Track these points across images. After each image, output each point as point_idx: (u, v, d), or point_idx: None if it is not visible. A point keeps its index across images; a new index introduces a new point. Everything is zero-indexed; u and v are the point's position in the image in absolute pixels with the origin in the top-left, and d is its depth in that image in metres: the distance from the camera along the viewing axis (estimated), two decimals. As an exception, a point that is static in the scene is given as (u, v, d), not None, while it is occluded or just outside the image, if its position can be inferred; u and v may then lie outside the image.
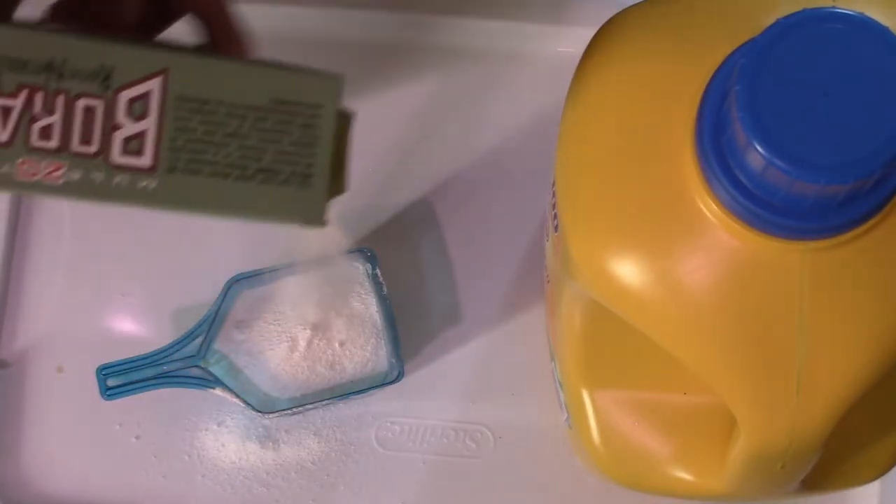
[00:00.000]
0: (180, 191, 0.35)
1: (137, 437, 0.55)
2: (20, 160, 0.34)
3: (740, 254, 0.34)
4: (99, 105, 0.34)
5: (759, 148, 0.31)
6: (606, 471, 0.47)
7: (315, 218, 0.37)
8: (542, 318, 0.56)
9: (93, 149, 0.35)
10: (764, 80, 0.31)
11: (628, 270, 0.37)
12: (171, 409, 0.55)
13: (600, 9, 0.41)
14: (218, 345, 0.53)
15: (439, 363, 0.56)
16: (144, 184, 0.35)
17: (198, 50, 0.42)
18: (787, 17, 0.31)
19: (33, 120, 0.34)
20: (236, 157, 0.35)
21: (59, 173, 0.35)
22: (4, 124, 0.34)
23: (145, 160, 0.35)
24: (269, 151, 0.35)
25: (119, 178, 0.35)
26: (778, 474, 0.39)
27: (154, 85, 0.35)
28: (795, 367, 0.35)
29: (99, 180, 0.35)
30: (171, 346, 0.52)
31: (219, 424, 0.55)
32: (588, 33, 0.40)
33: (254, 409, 0.52)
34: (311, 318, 0.53)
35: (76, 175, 0.35)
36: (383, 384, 0.53)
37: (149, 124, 0.35)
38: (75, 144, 0.35)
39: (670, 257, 0.36)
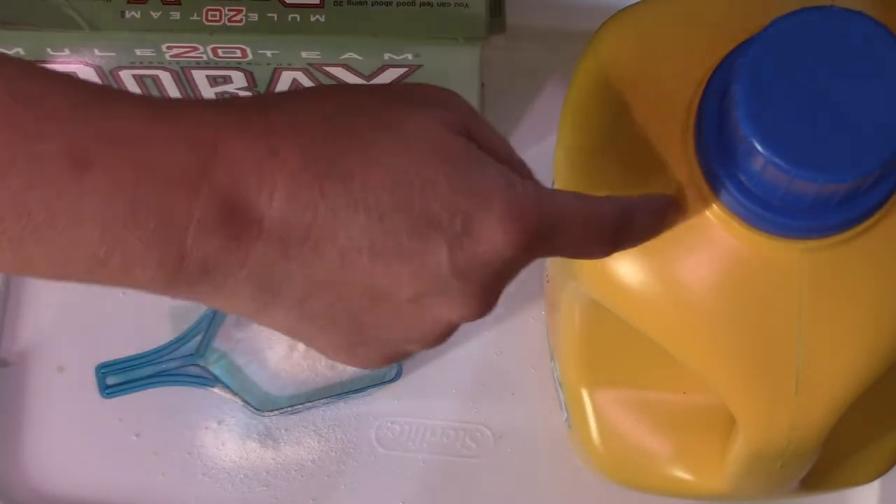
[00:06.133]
0: (347, 21, 0.40)
1: (137, 436, 0.55)
2: (206, 7, 0.40)
3: (739, 253, 0.34)
4: None
5: (758, 146, 0.31)
6: (606, 470, 0.47)
7: (476, 32, 0.41)
8: (542, 318, 0.56)
9: None
10: (763, 78, 0.31)
11: (627, 269, 0.37)
12: (171, 408, 0.55)
13: (600, 8, 0.41)
14: (217, 343, 0.53)
15: (439, 363, 0.56)
16: (314, 18, 0.40)
17: None
18: (785, 16, 0.31)
19: None
20: None
21: (240, 16, 0.40)
22: None
23: None
24: None
25: (292, 16, 0.40)
26: (777, 473, 0.39)
27: None
28: (794, 365, 0.35)
29: (275, 19, 0.40)
30: (170, 345, 0.52)
31: (219, 423, 0.55)
32: (588, 32, 0.40)
33: (253, 407, 0.52)
34: (311, 317, 0.53)
35: (254, 16, 0.40)
36: (381, 383, 0.53)
37: None
38: None
39: (669, 256, 0.36)
